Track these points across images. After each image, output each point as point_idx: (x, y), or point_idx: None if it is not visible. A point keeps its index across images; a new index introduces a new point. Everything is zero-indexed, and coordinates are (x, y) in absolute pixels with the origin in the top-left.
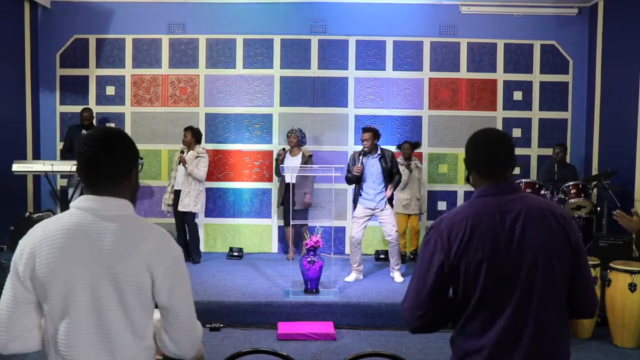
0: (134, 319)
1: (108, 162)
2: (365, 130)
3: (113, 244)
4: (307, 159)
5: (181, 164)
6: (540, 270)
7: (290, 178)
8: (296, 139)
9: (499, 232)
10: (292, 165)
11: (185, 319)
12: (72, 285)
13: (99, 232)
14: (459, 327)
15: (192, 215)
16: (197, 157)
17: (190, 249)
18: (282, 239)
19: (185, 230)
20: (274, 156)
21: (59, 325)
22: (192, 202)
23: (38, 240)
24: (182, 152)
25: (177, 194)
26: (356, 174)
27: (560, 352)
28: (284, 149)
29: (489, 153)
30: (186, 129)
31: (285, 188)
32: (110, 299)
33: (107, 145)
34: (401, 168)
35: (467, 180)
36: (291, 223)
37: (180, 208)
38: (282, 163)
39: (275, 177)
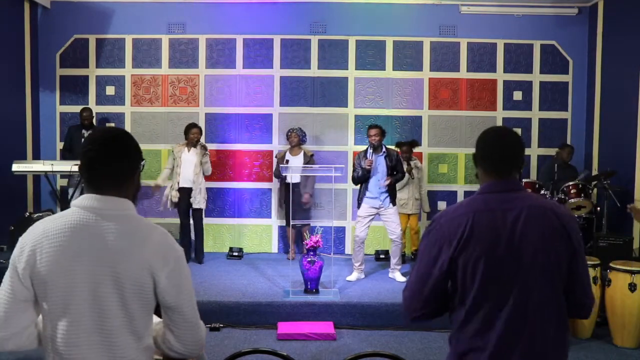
0: (134, 319)
1: (112, 161)
2: (372, 127)
3: (115, 244)
4: (310, 159)
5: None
6: (540, 269)
7: (291, 178)
8: (297, 138)
9: (499, 229)
10: (294, 165)
11: (191, 317)
12: (73, 283)
13: (100, 231)
14: (458, 325)
15: (201, 213)
16: (205, 153)
17: (197, 248)
18: (283, 238)
19: (189, 228)
20: (274, 156)
21: (58, 323)
22: (202, 198)
23: (39, 237)
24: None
25: (181, 191)
26: (368, 167)
27: (558, 352)
28: (284, 152)
29: (495, 150)
30: (195, 126)
31: (286, 188)
32: (111, 298)
33: (111, 145)
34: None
35: (477, 176)
36: (291, 223)
37: (195, 205)
38: (285, 162)
39: (275, 177)
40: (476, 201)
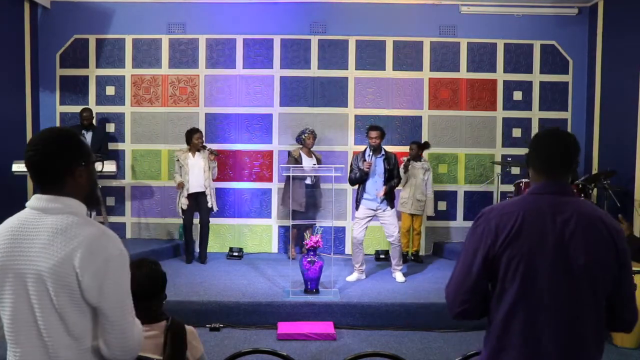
0: (67, 319)
1: (45, 162)
2: (373, 128)
3: (45, 243)
4: (320, 162)
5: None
6: (583, 277)
7: (309, 179)
8: (313, 140)
9: (547, 230)
10: (309, 166)
11: (116, 321)
12: (12, 284)
13: (36, 230)
14: (496, 322)
15: (209, 214)
16: (215, 157)
17: (202, 248)
18: (285, 238)
19: (192, 229)
20: (274, 156)
21: (5, 321)
22: (214, 200)
23: None
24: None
25: (190, 196)
26: (367, 169)
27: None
28: (298, 151)
29: (547, 152)
30: (197, 131)
31: (298, 188)
32: (42, 298)
33: (45, 147)
34: (401, 169)
35: (527, 175)
36: (292, 223)
37: (213, 208)
38: (300, 163)
39: (275, 178)
40: (527, 201)
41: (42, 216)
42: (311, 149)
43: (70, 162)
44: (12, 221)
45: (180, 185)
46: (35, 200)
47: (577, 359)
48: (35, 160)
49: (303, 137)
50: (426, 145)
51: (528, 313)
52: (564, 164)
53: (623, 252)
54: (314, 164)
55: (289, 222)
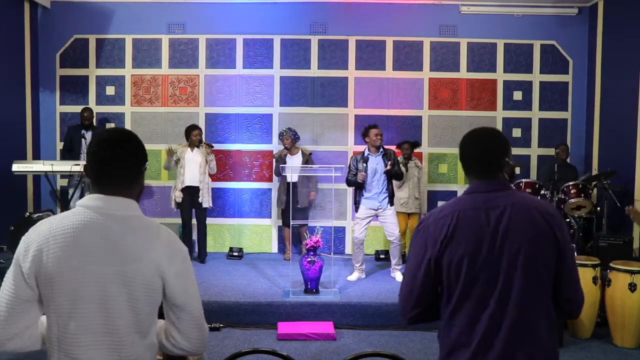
0: (141, 318)
1: (121, 162)
2: (373, 127)
3: (123, 244)
4: (308, 158)
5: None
6: (523, 267)
7: (291, 177)
8: (289, 140)
9: (483, 227)
10: (293, 164)
11: (198, 315)
12: (81, 283)
13: (107, 231)
14: (444, 322)
15: (205, 212)
16: (210, 151)
17: (200, 248)
18: (282, 239)
19: (191, 228)
20: (274, 156)
21: (66, 323)
22: (209, 198)
23: (45, 237)
24: (171, 150)
25: (185, 190)
26: (360, 181)
27: (545, 352)
28: (284, 151)
29: (475, 152)
30: (196, 127)
31: (286, 187)
32: (119, 298)
33: (119, 145)
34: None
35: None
36: (291, 223)
37: (204, 205)
38: (284, 163)
39: (275, 178)
40: (461, 201)
41: (110, 217)
42: (301, 147)
43: (141, 163)
44: (70, 220)
45: (170, 152)
46: (97, 201)
47: (530, 351)
48: (107, 159)
49: (280, 138)
50: (417, 144)
51: (474, 311)
52: (492, 165)
53: (562, 236)
54: (301, 162)
55: (279, 222)
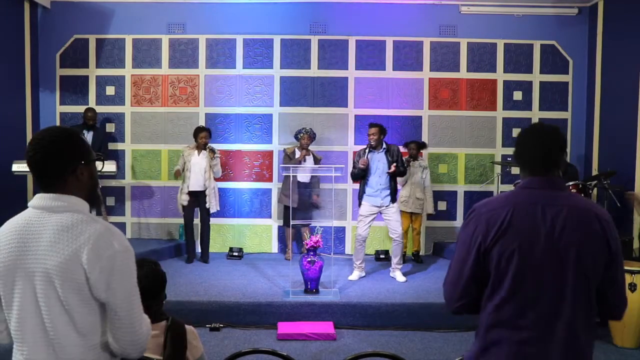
0: (75, 316)
1: (47, 161)
2: (371, 125)
3: (51, 241)
4: (319, 162)
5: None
6: (574, 268)
7: (305, 178)
8: (310, 141)
9: (538, 224)
10: (308, 165)
11: (124, 316)
12: (18, 282)
13: (40, 229)
14: (487, 315)
15: (209, 213)
16: (215, 156)
17: (203, 248)
18: (282, 239)
19: (193, 229)
20: (274, 156)
21: (11, 321)
22: (216, 202)
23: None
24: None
25: (190, 194)
26: (362, 167)
27: (585, 354)
28: (293, 148)
29: (533, 148)
30: (204, 129)
31: (298, 187)
32: (50, 295)
33: (45, 146)
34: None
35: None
36: (291, 223)
37: (212, 210)
38: (303, 162)
39: (275, 178)
40: (518, 195)
41: (47, 215)
42: (309, 149)
43: (71, 161)
44: (15, 221)
45: (177, 174)
46: (38, 200)
47: (569, 350)
48: (36, 160)
49: (299, 135)
50: (424, 145)
51: (520, 306)
52: (548, 163)
53: (615, 244)
54: (312, 164)
55: (282, 222)
